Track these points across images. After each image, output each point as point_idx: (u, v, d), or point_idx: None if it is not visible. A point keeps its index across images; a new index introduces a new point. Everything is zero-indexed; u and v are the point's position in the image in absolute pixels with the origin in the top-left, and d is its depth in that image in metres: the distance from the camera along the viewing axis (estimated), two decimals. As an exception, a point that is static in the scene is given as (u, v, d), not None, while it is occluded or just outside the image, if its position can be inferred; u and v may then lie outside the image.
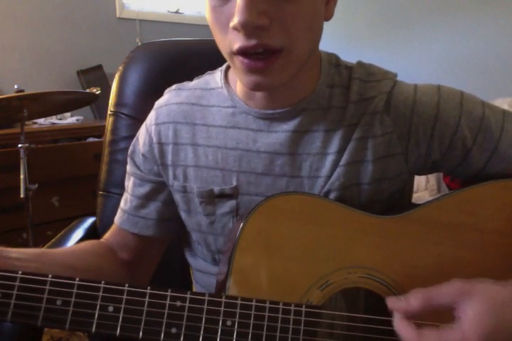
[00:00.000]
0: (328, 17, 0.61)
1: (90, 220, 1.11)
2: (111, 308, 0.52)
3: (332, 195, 0.64)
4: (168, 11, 2.84)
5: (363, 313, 0.57)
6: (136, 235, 0.75)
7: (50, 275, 0.53)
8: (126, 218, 0.75)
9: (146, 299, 0.53)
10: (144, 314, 0.52)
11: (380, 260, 0.58)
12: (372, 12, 2.72)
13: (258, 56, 0.54)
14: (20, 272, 0.52)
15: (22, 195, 1.45)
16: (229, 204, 0.67)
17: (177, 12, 2.86)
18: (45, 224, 1.80)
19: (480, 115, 0.64)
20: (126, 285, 0.53)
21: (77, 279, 0.53)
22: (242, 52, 0.54)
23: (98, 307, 0.52)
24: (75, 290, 0.52)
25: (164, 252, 0.81)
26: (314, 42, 0.60)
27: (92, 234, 1.07)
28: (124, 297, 0.53)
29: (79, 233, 1.05)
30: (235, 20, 0.51)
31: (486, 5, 2.28)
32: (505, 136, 0.64)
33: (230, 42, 0.55)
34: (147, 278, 0.81)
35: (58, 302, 0.52)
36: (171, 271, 0.86)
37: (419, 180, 1.96)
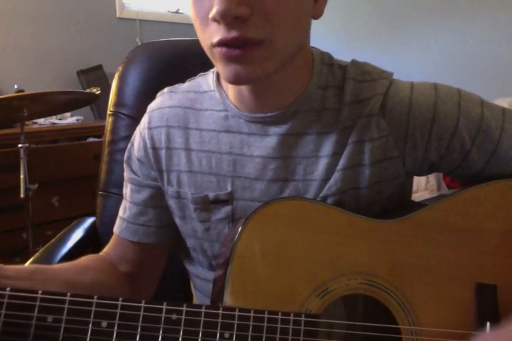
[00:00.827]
0: (317, 15, 0.59)
1: (90, 220, 1.11)
2: (104, 324, 0.50)
3: (330, 200, 0.63)
4: (168, 11, 2.85)
5: (363, 320, 0.56)
6: (137, 244, 0.73)
7: (39, 292, 0.50)
8: (125, 227, 0.73)
9: (141, 313, 0.51)
10: (139, 329, 0.50)
11: (380, 265, 0.57)
12: (371, 12, 2.72)
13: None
14: (8, 289, 0.50)
15: (22, 195, 1.45)
16: (224, 211, 0.66)
17: (177, 12, 2.86)
18: (45, 224, 1.80)
19: (479, 116, 0.62)
20: (120, 299, 0.51)
21: (69, 294, 0.51)
22: (222, 44, 0.53)
23: (91, 323, 0.50)
24: (66, 306, 0.50)
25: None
26: (300, 37, 0.58)
27: (92, 234, 1.07)
28: (118, 311, 0.51)
29: (79, 233, 1.05)
30: (214, 10, 0.50)
31: (485, 5, 2.29)
32: (504, 137, 0.62)
33: (210, 35, 0.54)
34: (151, 291, 0.78)
35: (49, 319, 0.50)
36: (172, 278, 0.86)
37: (419, 180, 1.96)
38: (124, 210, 0.74)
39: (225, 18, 0.50)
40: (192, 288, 0.82)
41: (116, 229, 0.75)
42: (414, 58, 2.53)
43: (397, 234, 0.59)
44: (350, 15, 2.73)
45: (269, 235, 0.57)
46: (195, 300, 0.82)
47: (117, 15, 2.61)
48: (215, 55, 0.55)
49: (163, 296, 0.80)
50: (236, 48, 0.53)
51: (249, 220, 0.57)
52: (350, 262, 0.57)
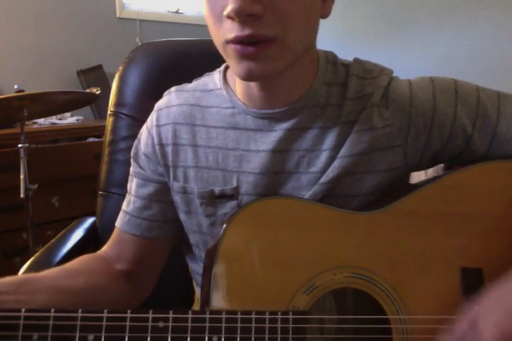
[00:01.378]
0: (324, 14, 0.61)
1: (90, 220, 1.11)
2: (91, 337, 0.50)
3: (325, 187, 0.64)
4: (168, 11, 2.84)
5: (353, 313, 0.56)
6: (138, 238, 0.73)
7: (23, 310, 0.50)
8: (127, 220, 0.73)
9: (127, 323, 0.50)
10: (126, 339, 0.50)
11: (366, 257, 0.58)
12: (371, 10, 2.72)
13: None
14: None
15: (22, 195, 1.45)
16: (230, 205, 0.67)
17: (177, 12, 2.86)
18: (45, 224, 1.80)
19: (475, 101, 0.65)
20: (105, 311, 0.51)
21: (53, 310, 0.50)
22: (237, 41, 0.54)
23: (77, 338, 0.50)
24: (51, 323, 0.50)
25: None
26: (309, 35, 0.60)
27: (92, 234, 1.07)
28: (104, 324, 0.50)
29: (79, 233, 1.05)
30: (229, 8, 0.52)
31: (487, 4, 2.28)
32: (502, 119, 0.65)
33: (224, 32, 0.56)
34: (149, 290, 0.78)
35: (35, 337, 0.49)
36: (173, 276, 0.86)
37: (420, 179, 1.96)
38: (128, 204, 0.75)
39: (240, 15, 0.52)
40: (194, 285, 0.82)
41: (118, 222, 0.75)
42: (415, 58, 2.53)
43: (381, 224, 0.59)
44: (351, 14, 2.73)
45: (252, 235, 0.57)
46: (197, 297, 0.82)
47: (117, 15, 2.61)
48: (228, 51, 0.57)
49: (165, 294, 0.80)
50: (250, 46, 0.54)
51: (231, 220, 0.58)
52: (336, 257, 0.58)
